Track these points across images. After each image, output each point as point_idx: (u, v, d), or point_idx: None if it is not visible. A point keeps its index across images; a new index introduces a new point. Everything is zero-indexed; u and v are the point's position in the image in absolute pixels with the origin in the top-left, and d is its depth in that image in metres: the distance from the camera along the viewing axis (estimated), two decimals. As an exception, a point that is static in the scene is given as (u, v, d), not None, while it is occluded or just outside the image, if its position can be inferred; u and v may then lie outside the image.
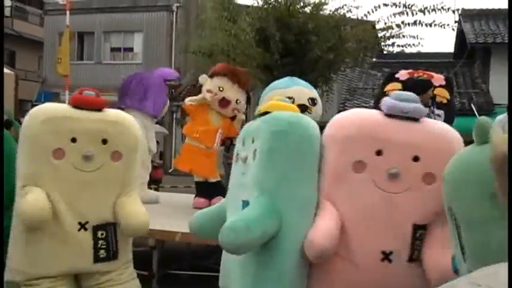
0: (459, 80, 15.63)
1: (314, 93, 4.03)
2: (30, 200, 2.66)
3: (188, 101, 4.90)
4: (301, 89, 4.01)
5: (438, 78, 4.50)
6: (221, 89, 4.60)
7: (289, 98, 3.95)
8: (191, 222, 2.86)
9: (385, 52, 10.97)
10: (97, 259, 2.91)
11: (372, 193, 2.23)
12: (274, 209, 2.24)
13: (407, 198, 2.21)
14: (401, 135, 2.24)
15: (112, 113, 3.02)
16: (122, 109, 4.32)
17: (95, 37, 20.46)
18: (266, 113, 2.52)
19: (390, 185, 2.21)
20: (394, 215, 2.21)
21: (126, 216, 2.92)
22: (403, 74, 4.55)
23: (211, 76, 4.75)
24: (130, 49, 20.40)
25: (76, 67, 17.00)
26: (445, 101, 4.41)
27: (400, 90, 4.23)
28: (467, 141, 2.01)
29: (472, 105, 5.70)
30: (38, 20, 24.78)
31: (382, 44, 9.79)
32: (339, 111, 2.51)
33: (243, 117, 5.27)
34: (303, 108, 3.92)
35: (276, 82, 4.16)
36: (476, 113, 5.44)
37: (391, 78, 4.63)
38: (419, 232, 2.20)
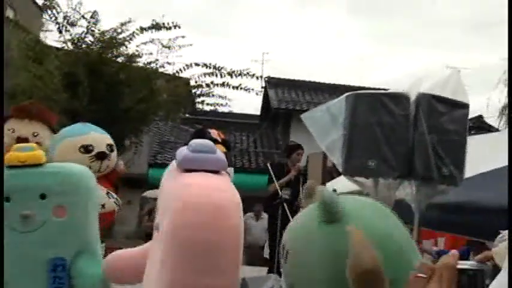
0: (264, 141, 16.84)
1: (109, 138, 3.92)
2: None
3: None
4: (98, 136, 3.85)
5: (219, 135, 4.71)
6: (12, 130, 4.22)
7: (88, 146, 3.78)
8: None
9: (197, 109, 11.37)
10: None
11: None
12: None
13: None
14: None
15: None
16: None
17: None
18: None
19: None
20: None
21: None
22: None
23: None
24: None
25: None
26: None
27: None
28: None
29: (268, 165, 6.11)
30: None
31: (194, 100, 10.14)
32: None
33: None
34: (102, 156, 3.77)
35: (67, 130, 3.90)
36: (271, 172, 5.83)
37: (202, 134, 4.67)
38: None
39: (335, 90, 14.71)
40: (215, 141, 4.55)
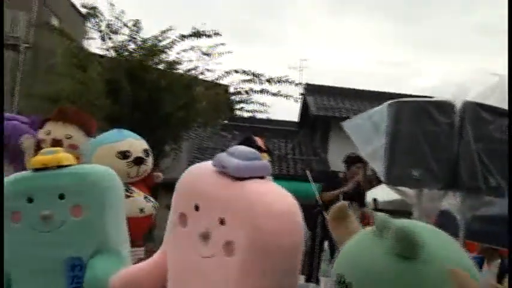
0: (302, 148, 16.75)
1: (145, 143, 3.97)
2: None
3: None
4: (135, 142, 3.90)
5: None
6: (48, 133, 4.34)
7: (126, 151, 3.83)
8: None
9: (236, 116, 11.42)
10: None
11: (188, 250, 1.94)
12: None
13: (213, 266, 1.85)
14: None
15: None
16: None
17: None
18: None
19: (201, 246, 1.87)
20: (203, 281, 1.89)
21: None
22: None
23: (39, 128, 4.47)
24: (-34, 87, 18.54)
25: None
26: None
27: None
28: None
29: (307, 172, 6.06)
30: None
31: (233, 107, 10.19)
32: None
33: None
34: (140, 161, 3.82)
35: (103, 136, 3.96)
36: (310, 179, 5.78)
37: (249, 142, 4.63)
38: None
39: (375, 97, 14.49)
40: (260, 149, 4.54)
